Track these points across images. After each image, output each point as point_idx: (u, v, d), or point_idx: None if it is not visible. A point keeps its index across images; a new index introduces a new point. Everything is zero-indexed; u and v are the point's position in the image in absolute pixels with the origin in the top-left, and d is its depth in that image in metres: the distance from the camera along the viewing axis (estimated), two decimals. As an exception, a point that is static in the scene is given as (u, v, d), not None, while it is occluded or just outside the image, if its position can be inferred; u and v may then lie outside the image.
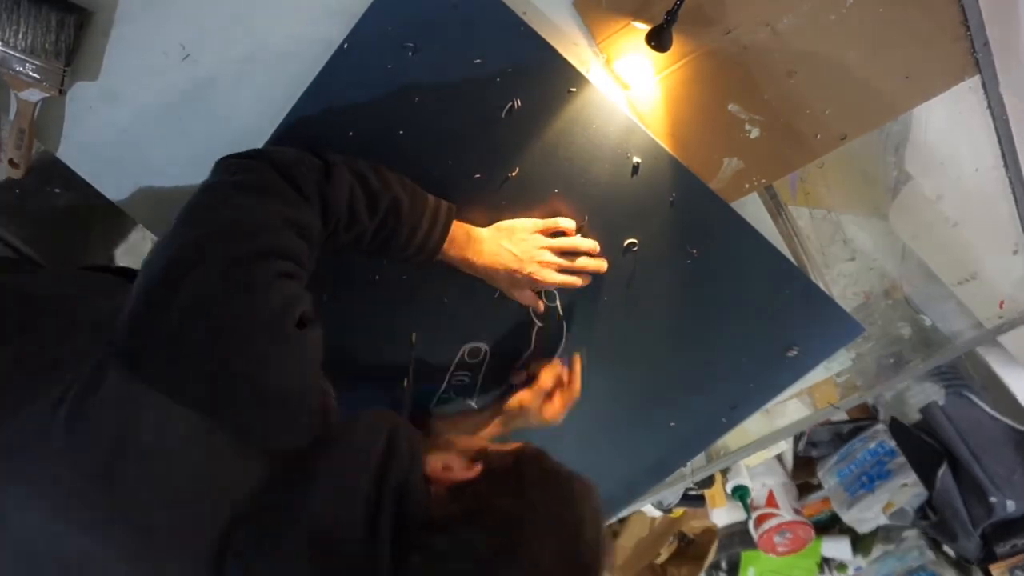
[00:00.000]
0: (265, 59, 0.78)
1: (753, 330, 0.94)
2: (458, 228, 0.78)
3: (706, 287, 0.91)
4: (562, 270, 0.81)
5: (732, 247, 0.88)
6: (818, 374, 1.04)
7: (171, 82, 0.79)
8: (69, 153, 0.82)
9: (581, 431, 1.01)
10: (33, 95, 0.77)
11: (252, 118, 0.79)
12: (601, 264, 0.84)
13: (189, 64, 0.78)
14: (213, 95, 0.80)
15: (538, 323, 0.91)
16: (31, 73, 0.76)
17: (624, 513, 1.13)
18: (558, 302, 0.90)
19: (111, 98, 0.80)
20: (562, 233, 0.83)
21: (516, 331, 0.92)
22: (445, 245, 0.76)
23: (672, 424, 1.01)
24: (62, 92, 0.78)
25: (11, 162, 0.81)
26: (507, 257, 0.79)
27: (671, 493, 1.40)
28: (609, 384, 0.98)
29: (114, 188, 0.84)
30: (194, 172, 0.81)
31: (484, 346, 0.93)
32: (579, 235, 0.84)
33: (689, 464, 1.17)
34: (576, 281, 0.83)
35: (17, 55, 0.75)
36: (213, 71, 0.78)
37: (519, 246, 0.80)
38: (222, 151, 0.79)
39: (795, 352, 0.96)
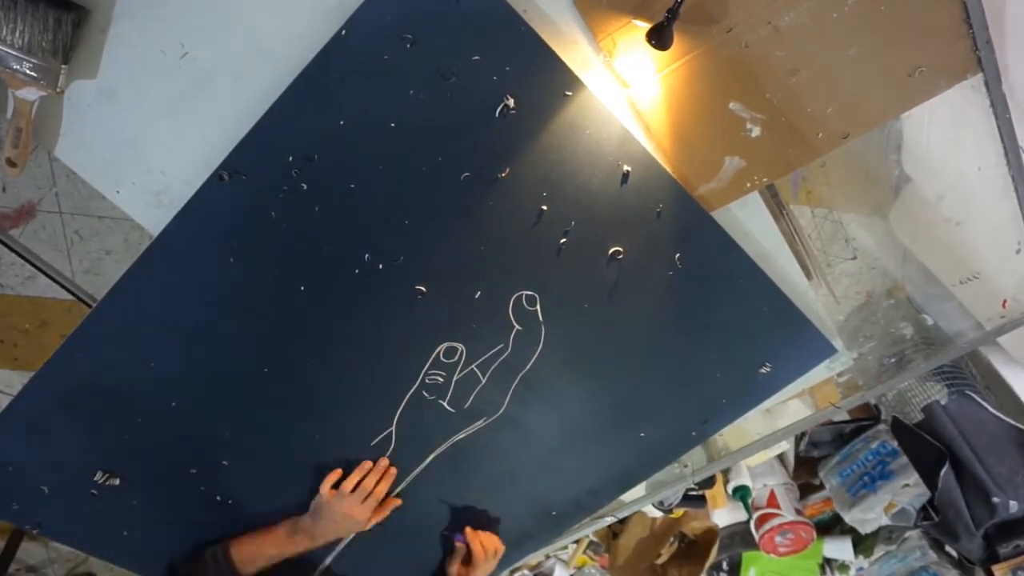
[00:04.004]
0: (264, 57, 0.77)
1: (729, 345, 0.95)
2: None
3: (686, 299, 0.91)
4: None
5: (714, 261, 0.89)
6: (819, 374, 1.03)
7: (169, 80, 0.78)
8: (67, 152, 0.82)
9: (552, 436, 1.01)
10: (31, 93, 0.77)
11: (251, 116, 0.78)
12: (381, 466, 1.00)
13: (187, 62, 0.78)
14: (212, 93, 0.79)
15: (517, 326, 0.91)
16: (28, 71, 0.75)
17: (585, 520, 1.12)
18: (538, 305, 0.90)
19: (109, 96, 0.79)
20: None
21: (494, 333, 0.92)
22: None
23: (642, 435, 1.01)
24: (60, 90, 0.77)
25: (9, 161, 0.80)
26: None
27: (672, 493, 1.39)
28: (583, 391, 0.97)
29: (112, 187, 0.84)
30: (193, 171, 0.81)
31: (460, 346, 0.93)
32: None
33: (690, 464, 1.17)
34: (380, 516, 1.02)
35: (14, 53, 0.74)
36: (212, 69, 0.78)
37: (341, 507, 0.97)
38: (221, 149, 0.79)
39: (768, 369, 0.96)
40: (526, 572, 1.81)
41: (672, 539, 1.73)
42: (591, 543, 1.80)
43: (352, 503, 0.97)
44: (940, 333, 1.08)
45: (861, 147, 0.94)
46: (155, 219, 0.84)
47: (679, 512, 1.65)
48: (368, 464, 0.99)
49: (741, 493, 1.63)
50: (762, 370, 0.96)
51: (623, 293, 0.90)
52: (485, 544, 1.03)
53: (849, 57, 0.78)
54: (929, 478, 1.31)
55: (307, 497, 1.00)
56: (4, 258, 0.91)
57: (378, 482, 0.99)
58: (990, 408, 1.27)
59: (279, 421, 0.95)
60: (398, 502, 1.02)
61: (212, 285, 0.86)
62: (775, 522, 1.65)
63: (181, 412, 0.92)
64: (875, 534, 1.82)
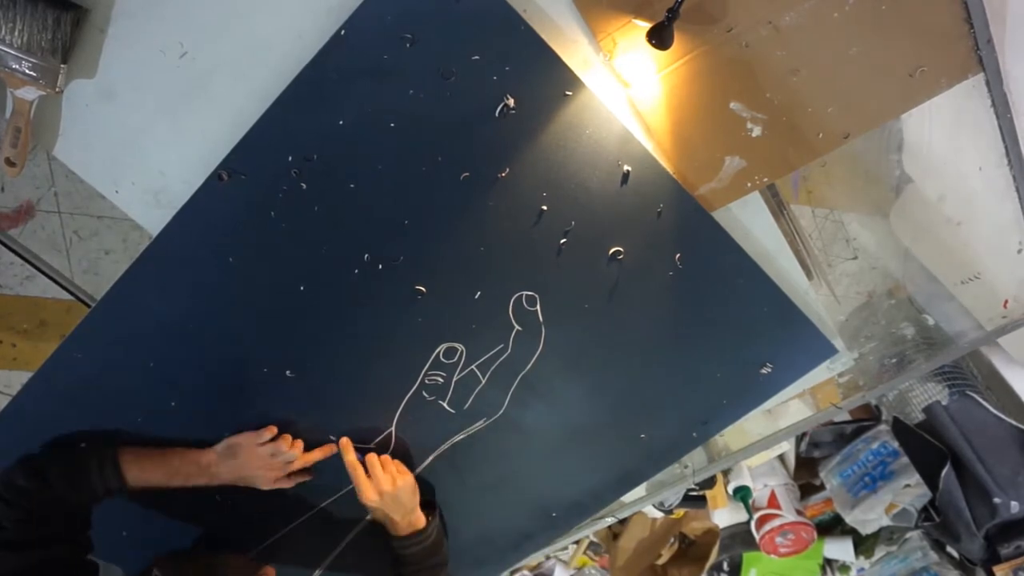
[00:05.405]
0: (264, 57, 0.77)
1: (730, 345, 0.94)
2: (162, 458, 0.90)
3: (687, 300, 0.91)
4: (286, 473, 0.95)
5: (715, 261, 0.88)
6: (820, 374, 1.03)
7: (169, 80, 0.78)
8: (66, 151, 0.82)
9: (552, 437, 1.00)
10: (29, 93, 0.77)
11: (250, 116, 0.78)
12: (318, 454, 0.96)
13: (187, 61, 0.77)
14: (211, 93, 0.79)
15: (517, 327, 0.91)
16: (27, 71, 0.75)
17: (585, 521, 1.12)
18: (538, 306, 0.90)
19: (108, 96, 0.79)
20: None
21: (494, 333, 0.92)
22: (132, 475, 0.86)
23: (643, 436, 1.01)
24: (59, 90, 0.77)
25: (7, 161, 0.80)
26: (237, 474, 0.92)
27: (672, 494, 1.39)
28: (583, 392, 0.97)
29: (111, 186, 0.84)
30: (192, 171, 0.81)
31: (460, 346, 0.92)
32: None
33: (690, 464, 1.16)
34: (287, 483, 0.96)
35: (13, 52, 0.74)
36: (211, 68, 0.78)
37: (259, 461, 0.92)
38: (220, 148, 0.79)
39: (769, 369, 0.96)
40: (526, 573, 1.81)
41: (672, 540, 1.73)
42: (591, 544, 1.80)
43: (271, 463, 0.93)
44: (941, 333, 1.08)
45: (861, 147, 0.94)
46: (154, 219, 0.84)
47: (679, 513, 1.65)
48: (287, 438, 0.94)
49: (742, 494, 1.63)
50: (763, 370, 0.96)
51: (623, 293, 0.90)
52: (384, 465, 0.95)
53: (850, 57, 0.78)
54: (930, 479, 1.31)
55: (304, 497, 1.00)
56: (3, 258, 0.91)
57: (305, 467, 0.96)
58: (991, 409, 1.27)
59: (278, 421, 0.95)
60: (309, 476, 0.98)
61: (211, 285, 0.86)
62: (776, 523, 1.64)
63: (180, 412, 0.92)
64: (876, 535, 1.82)
